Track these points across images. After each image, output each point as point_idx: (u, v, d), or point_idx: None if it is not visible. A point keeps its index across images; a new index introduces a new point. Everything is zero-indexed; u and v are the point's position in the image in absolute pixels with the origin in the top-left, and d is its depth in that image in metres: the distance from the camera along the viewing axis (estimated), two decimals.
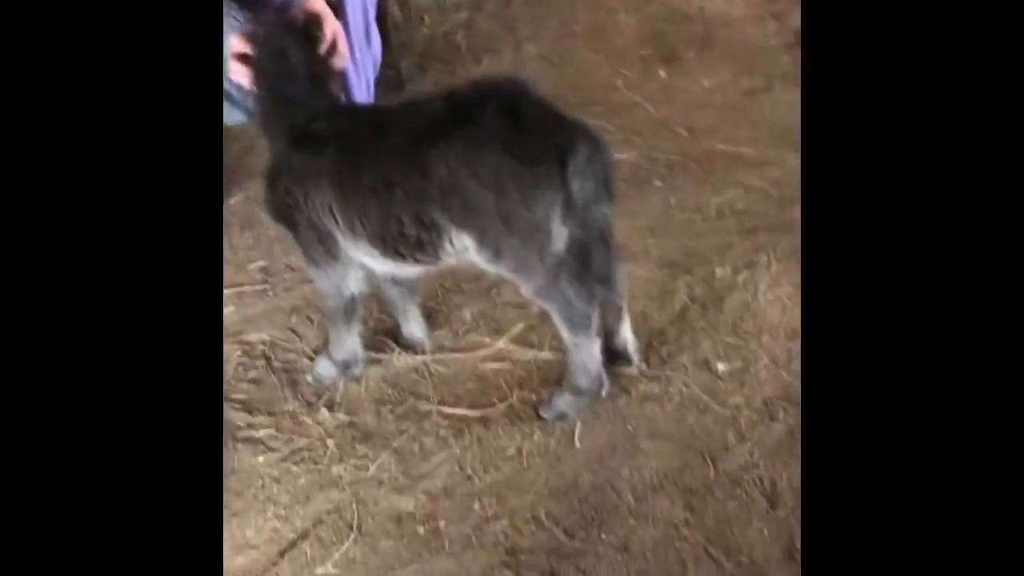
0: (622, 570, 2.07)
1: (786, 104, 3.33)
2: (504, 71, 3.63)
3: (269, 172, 2.19)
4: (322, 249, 2.17)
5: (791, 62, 3.53)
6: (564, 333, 2.19)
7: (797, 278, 2.62)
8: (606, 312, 2.27)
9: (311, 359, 2.60)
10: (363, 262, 2.21)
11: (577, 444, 2.32)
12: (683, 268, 2.73)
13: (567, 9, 3.92)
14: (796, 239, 2.77)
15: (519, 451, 2.32)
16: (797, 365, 2.42)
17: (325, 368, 2.48)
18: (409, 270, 2.20)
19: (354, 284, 2.26)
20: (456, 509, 2.22)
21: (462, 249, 2.05)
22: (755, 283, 2.65)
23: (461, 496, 2.25)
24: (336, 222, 2.10)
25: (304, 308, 2.76)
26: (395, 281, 2.37)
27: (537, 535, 2.15)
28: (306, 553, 2.17)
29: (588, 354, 2.23)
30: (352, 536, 2.19)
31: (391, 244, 2.05)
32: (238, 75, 2.18)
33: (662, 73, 3.60)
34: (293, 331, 2.70)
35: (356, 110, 2.23)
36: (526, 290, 2.12)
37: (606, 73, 3.57)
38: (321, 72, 2.15)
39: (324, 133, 2.06)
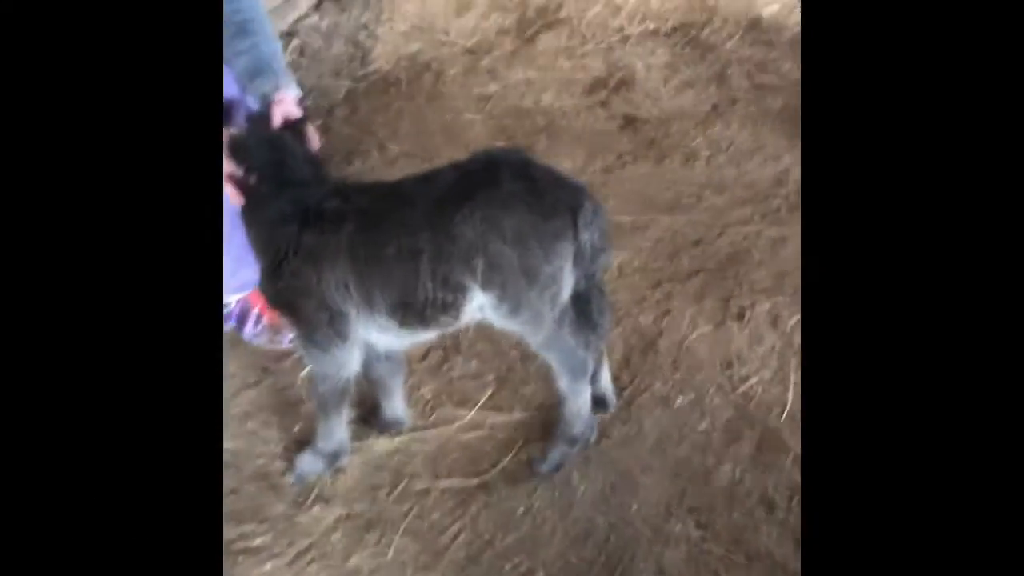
0: None
1: (641, 176, 3.72)
2: (376, 168, 3.74)
3: (271, 260, 2.14)
4: (331, 331, 2.14)
5: (629, 141, 3.95)
6: (563, 382, 2.31)
7: (712, 317, 2.94)
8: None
9: (284, 460, 2.50)
10: (369, 339, 2.21)
11: (580, 491, 2.42)
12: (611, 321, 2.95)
13: (415, 111, 4.11)
14: (697, 285, 3.12)
15: (528, 509, 2.38)
16: (742, 389, 2.70)
17: (309, 463, 2.40)
18: (424, 337, 2.24)
19: (355, 364, 2.25)
20: (488, 574, 2.23)
21: (477, 308, 2.13)
22: (678, 326, 2.93)
23: (489, 560, 2.26)
24: (351, 298, 2.10)
25: (255, 413, 2.65)
26: (387, 357, 2.37)
27: None
28: None
29: (583, 401, 2.36)
30: None
31: (414, 311, 2.08)
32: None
33: None
34: (255, 435, 2.58)
35: (370, 186, 2.25)
36: (534, 341, 2.22)
37: None
38: (316, 157, 2.18)
39: (340, 210, 2.08)
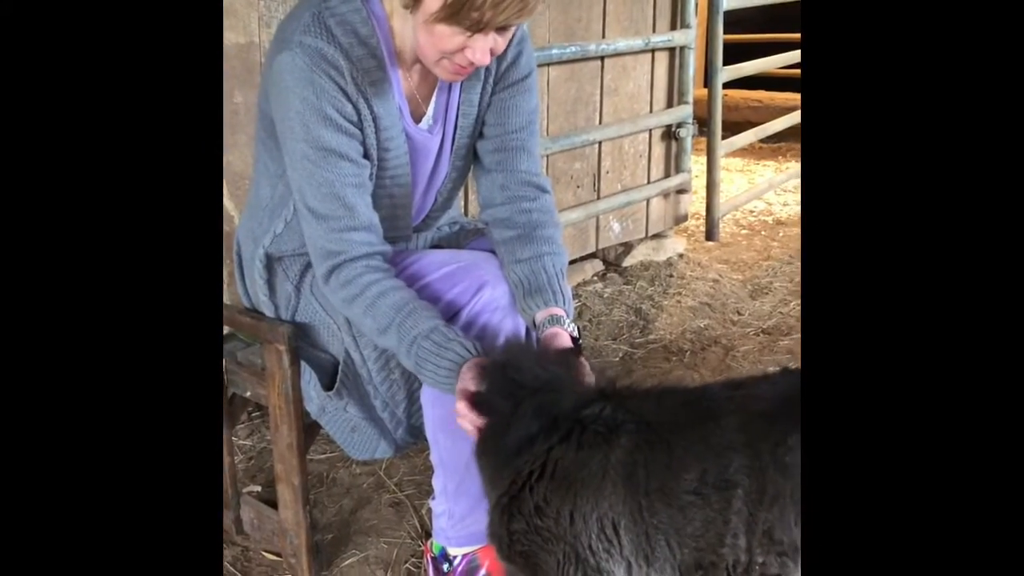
0: None
1: None
2: None
3: (504, 491, 1.56)
4: None
5: None
6: None
7: None
8: None
9: None
10: None
11: None
12: None
13: (698, 382, 3.59)
14: None
15: None
16: None
17: None
18: None
19: None
20: None
21: None
22: None
23: None
24: (618, 548, 1.44)
25: None
26: None
27: None
28: None
29: None
30: None
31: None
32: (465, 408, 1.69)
33: None
34: None
35: (655, 391, 1.65)
36: None
37: None
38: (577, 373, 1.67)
39: (610, 419, 1.49)
